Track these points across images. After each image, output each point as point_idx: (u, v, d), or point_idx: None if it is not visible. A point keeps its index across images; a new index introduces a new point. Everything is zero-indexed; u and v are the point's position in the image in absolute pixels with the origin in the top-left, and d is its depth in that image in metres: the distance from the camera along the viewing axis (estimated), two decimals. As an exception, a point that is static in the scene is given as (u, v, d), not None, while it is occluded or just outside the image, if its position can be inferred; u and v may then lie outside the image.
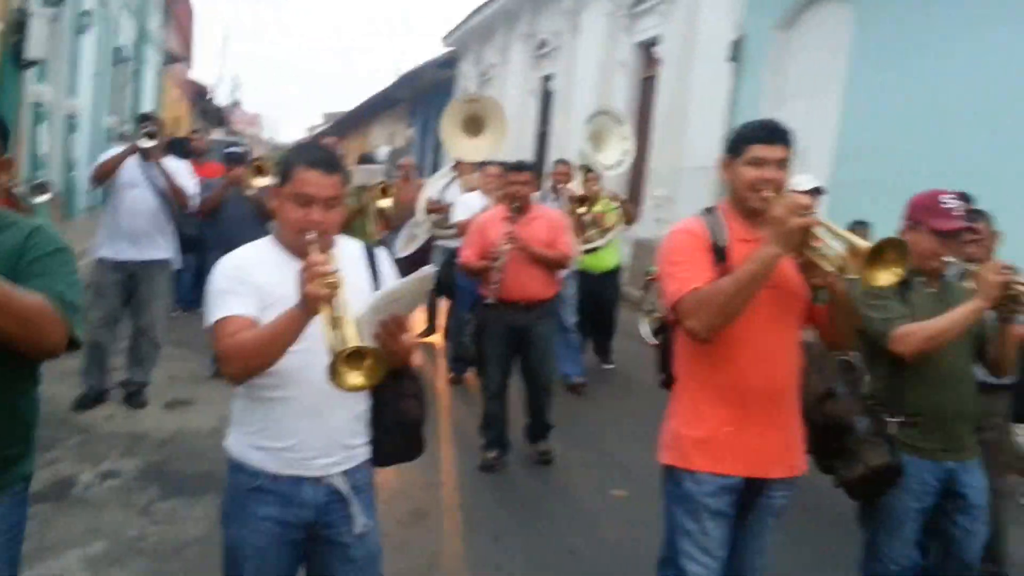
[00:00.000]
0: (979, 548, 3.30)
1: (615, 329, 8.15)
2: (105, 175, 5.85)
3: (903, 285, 3.07)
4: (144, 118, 6.16)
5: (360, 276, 2.46)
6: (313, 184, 2.32)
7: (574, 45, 16.76)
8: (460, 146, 8.68)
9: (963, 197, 3.41)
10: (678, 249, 2.71)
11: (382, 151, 18.79)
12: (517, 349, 5.44)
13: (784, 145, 2.66)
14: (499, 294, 5.31)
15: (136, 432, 5.53)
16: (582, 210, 7.32)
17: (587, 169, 7.75)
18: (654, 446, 2.91)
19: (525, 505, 5.03)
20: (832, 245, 2.50)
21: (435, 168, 22.00)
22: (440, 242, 7.79)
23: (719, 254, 2.66)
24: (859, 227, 7.03)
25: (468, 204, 7.16)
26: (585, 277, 7.49)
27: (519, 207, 5.38)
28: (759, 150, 2.64)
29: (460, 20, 22.80)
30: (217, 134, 24.27)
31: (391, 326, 2.25)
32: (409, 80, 25.65)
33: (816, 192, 5.96)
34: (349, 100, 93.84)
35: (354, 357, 2.06)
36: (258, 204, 6.59)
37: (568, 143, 15.76)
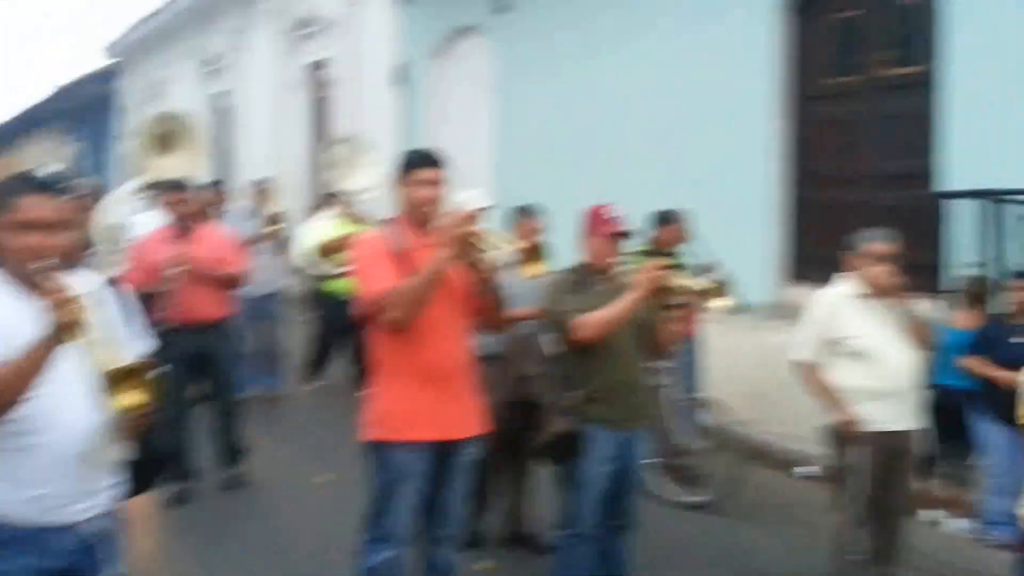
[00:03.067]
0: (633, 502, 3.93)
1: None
2: None
3: (580, 284, 3.73)
4: None
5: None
6: (37, 209, 2.23)
7: (246, 63, 17.03)
8: (155, 166, 8.07)
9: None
10: (368, 256, 3.27)
11: (51, 168, 17.77)
12: (200, 373, 5.37)
13: (442, 169, 3.29)
14: (175, 318, 5.12)
15: None
16: (275, 227, 7.69)
17: (337, 195, 8.06)
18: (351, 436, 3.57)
19: (235, 500, 5.42)
20: (489, 249, 3.14)
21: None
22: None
23: (401, 258, 3.21)
24: (525, 215, 7.93)
25: (143, 225, 6.53)
26: (327, 301, 7.69)
27: (185, 227, 5.33)
28: (426, 173, 3.25)
29: (121, 33, 22.05)
30: None
31: None
32: (67, 93, 24.24)
33: (487, 208, 6.55)
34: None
35: (123, 376, 2.13)
36: None
37: (250, 161, 16.11)
